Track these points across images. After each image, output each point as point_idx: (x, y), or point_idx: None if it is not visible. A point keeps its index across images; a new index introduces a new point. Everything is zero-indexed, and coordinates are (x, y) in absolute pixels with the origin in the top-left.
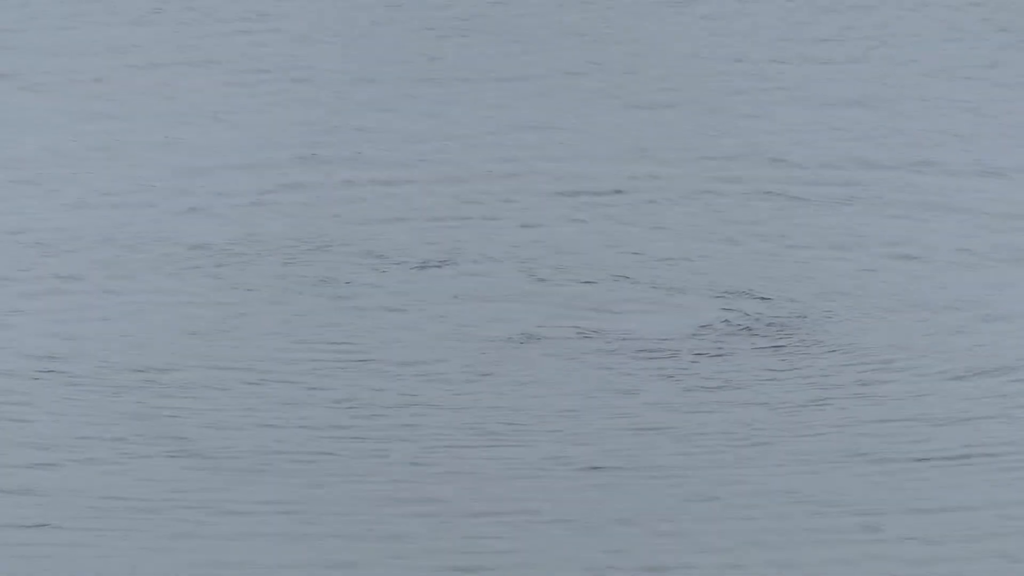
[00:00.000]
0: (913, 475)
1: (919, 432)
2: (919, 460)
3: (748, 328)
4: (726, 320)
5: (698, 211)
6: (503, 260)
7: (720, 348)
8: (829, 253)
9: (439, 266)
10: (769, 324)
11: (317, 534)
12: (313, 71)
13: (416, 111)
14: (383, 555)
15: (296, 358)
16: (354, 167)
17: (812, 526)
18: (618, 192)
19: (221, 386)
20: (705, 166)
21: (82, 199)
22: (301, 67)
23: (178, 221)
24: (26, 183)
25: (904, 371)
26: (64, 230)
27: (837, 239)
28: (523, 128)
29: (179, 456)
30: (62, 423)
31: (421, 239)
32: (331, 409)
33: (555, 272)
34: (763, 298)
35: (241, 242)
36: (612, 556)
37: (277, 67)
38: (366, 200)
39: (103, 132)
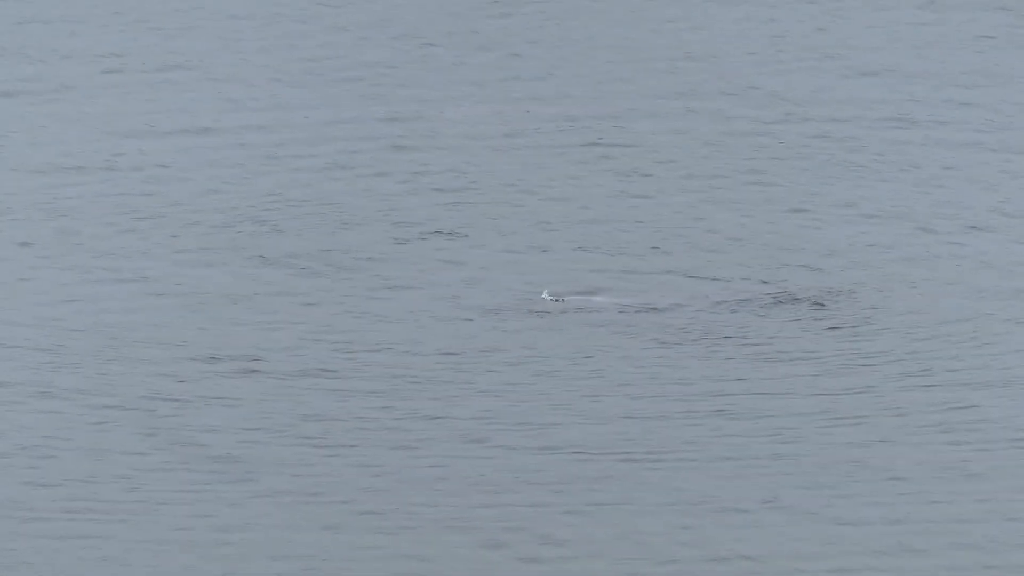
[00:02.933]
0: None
1: (974, 418)
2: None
3: (795, 300)
4: (772, 295)
5: (739, 183)
6: (527, 230)
7: (766, 326)
8: (878, 228)
9: (453, 236)
10: (816, 300)
11: (369, 527)
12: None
13: (434, 88)
14: (428, 542)
15: (310, 344)
16: (365, 141)
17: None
18: (654, 162)
19: (231, 374)
20: (744, 134)
21: (87, 167)
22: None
23: (186, 193)
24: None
25: (954, 356)
26: (63, 200)
27: (887, 214)
28: (545, 100)
29: (193, 456)
30: (61, 413)
31: (436, 209)
32: (353, 399)
33: (587, 244)
34: (810, 271)
35: (255, 211)
36: (674, 545)
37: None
38: (383, 171)
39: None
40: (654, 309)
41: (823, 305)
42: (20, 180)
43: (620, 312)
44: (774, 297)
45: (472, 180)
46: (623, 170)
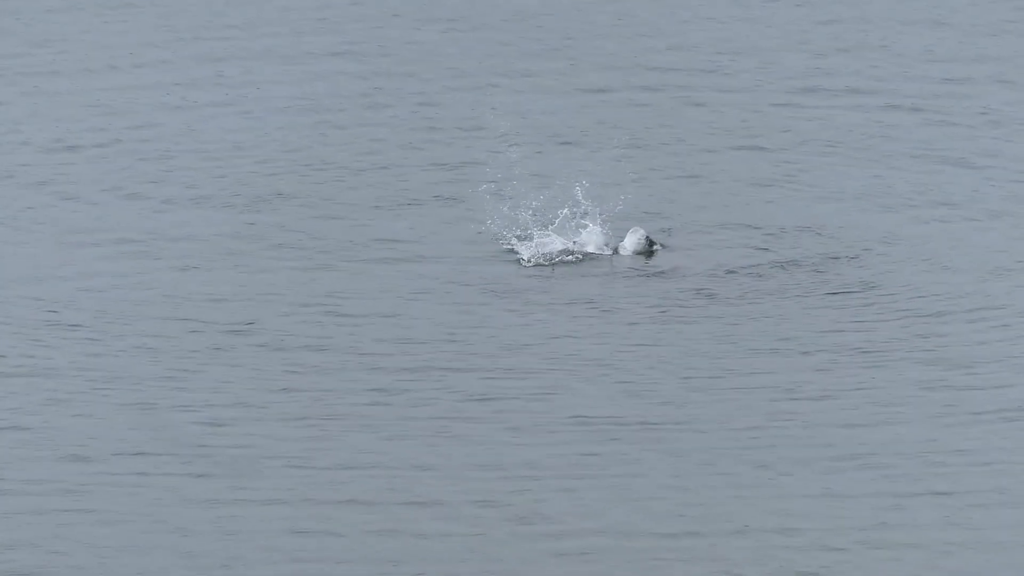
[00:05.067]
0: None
1: (977, 388)
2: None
3: (797, 267)
4: (773, 262)
5: (742, 154)
6: (524, 195)
7: (767, 293)
8: (883, 203)
9: (450, 203)
10: (818, 268)
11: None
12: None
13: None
14: (425, 517)
15: (303, 314)
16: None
17: (864, 490)
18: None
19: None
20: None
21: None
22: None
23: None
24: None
25: (957, 323)
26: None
27: (891, 191)
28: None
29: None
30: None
31: (434, 176)
32: (345, 370)
33: (582, 212)
34: (813, 238)
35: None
36: (663, 515)
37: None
38: (377, 136)
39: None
40: (657, 274)
41: (824, 272)
42: (10, 153)
43: (622, 278)
44: (775, 264)
45: (468, 145)
46: (622, 135)
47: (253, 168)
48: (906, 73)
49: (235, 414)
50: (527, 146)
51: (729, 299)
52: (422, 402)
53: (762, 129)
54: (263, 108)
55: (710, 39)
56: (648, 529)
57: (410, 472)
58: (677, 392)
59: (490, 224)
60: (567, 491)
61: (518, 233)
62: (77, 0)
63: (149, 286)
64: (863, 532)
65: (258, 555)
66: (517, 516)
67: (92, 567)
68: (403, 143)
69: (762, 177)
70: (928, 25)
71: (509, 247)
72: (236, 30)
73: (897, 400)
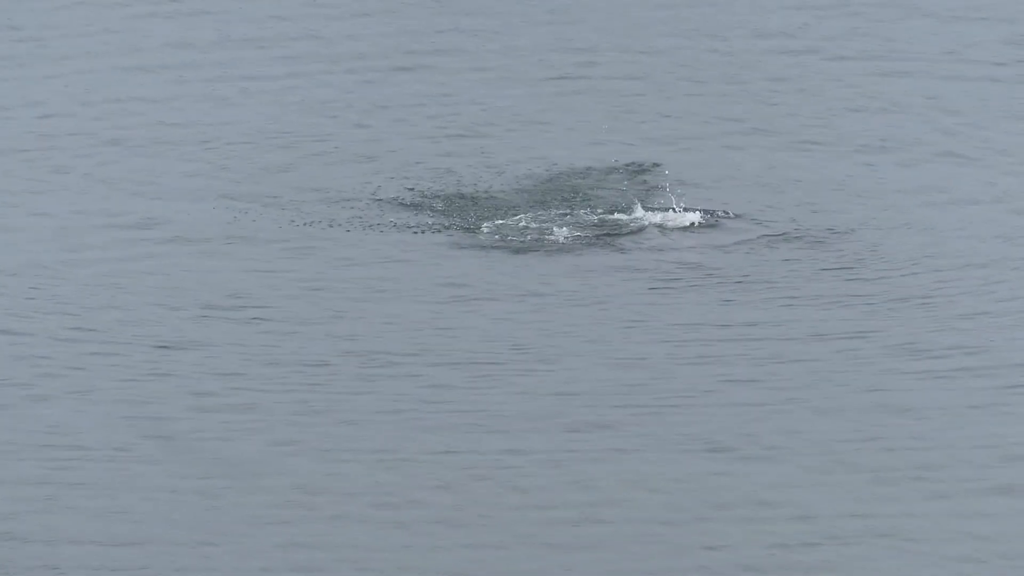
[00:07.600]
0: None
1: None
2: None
3: (793, 240)
4: (770, 235)
5: (744, 125)
6: (523, 167)
7: (764, 267)
8: (883, 167)
9: (446, 174)
10: (815, 240)
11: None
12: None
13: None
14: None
15: (299, 288)
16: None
17: (857, 474)
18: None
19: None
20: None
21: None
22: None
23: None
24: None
25: (943, 309)
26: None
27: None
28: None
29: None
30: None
31: (428, 146)
32: (342, 342)
33: (581, 186)
34: (810, 210)
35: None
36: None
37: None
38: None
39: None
40: (654, 250)
41: (812, 256)
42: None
43: (620, 253)
44: (772, 237)
45: (465, 116)
46: (616, 109)
47: (239, 150)
48: (898, 58)
49: (218, 399)
50: (510, 129)
51: (715, 282)
52: (405, 386)
53: (752, 112)
54: (247, 91)
55: (702, 22)
56: (626, 514)
57: (390, 456)
58: (658, 376)
59: (482, 206)
60: (547, 476)
61: (510, 215)
62: None
63: (133, 268)
64: (846, 519)
65: (238, 543)
66: (495, 502)
67: (75, 553)
68: (395, 126)
69: (752, 164)
70: (920, 10)
71: (496, 230)
72: (221, 14)
73: (879, 386)
